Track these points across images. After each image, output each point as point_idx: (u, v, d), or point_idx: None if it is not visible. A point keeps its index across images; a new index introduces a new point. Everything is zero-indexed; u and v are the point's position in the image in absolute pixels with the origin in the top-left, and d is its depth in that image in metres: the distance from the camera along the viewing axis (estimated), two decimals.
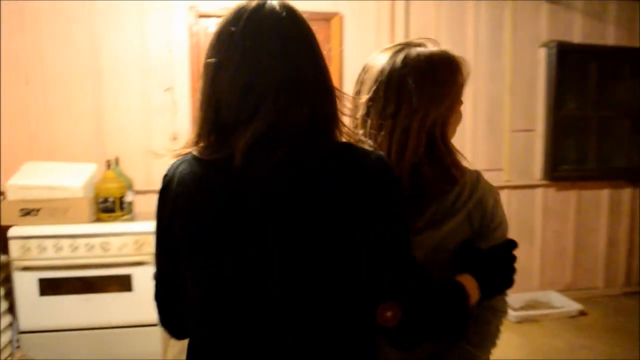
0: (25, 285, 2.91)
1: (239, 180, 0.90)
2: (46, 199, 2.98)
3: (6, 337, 2.94)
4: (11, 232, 2.90)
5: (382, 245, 0.88)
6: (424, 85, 1.12)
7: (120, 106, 3.42)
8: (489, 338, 1.20)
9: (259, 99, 0.88)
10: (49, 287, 2.93)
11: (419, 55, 1.15)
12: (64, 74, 3.37)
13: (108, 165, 3.14)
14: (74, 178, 3.07)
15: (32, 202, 2.97)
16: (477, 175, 1.18)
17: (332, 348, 0.91)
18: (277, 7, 0.92)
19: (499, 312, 1.20)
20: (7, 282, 2.98)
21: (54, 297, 2.93)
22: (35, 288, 2.91)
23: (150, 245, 2.95)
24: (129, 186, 3.20)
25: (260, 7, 0.91)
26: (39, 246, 2.89)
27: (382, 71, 1.16)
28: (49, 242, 2.90)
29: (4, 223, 2.96)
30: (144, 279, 2.95)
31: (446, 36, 3.75)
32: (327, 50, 3.59)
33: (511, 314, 3.72)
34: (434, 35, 3.71)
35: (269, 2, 0.92)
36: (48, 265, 2.90)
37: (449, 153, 1.16)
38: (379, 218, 0.88)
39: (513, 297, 3.86)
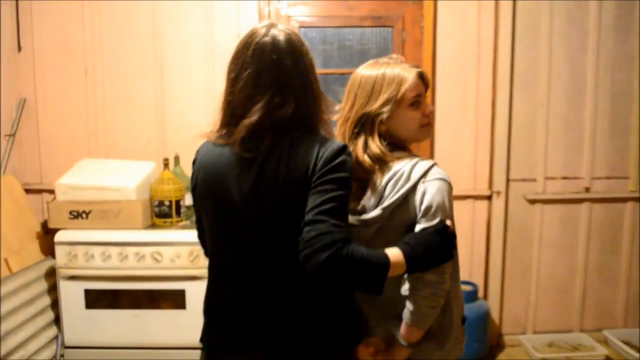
0: (70, 295, 2.61)
1: (236, 159, 1.26)
2: (97, 201, 2.68)
3: (50, 351, 2.66)
4: (58, 237, 2.62)
5: (321, 202, 1.17)
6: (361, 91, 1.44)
7: (183, 98, 3.08)
8: (420, 304, 1.33)
9: (257, 101, 1.23)
10: (95, 299, 2.62)
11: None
12: (124, 65, 3.07)
13: (166, 163, 2.79)
14: (127, 178, 2.75)
15: (82, 203, 2.68)
16: (428, 165, 1.35)
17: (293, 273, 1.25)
18: (277, 35, 1.26)
19: (430, 282, 1.32)
20: (54, 290, 2.70)
21: (100, 310, 2.62)
22: (81, 299, 2.61)
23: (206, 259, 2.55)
24: (189, 188, 2.83)
25: (266, 35, 1.26)
26: (86, 253, 2.59)
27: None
28: (96, 250, 2.58)
29: (52, 225, 2.70)
30: (199, 295, 2.55)
31: (563, 10, 3.09)
32: (420, 31, 3.06)
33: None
34: (549, 15, 3.14)
35: (272, 30, 1.27)
36: (95, 275, 2.59)
37: (378, 145, 1.39)
38: (323, 185, 1.18)
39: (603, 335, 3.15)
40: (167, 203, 2.73)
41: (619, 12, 3.13)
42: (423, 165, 1.35)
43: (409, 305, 1.35)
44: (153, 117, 3.10)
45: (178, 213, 2.75)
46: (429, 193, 1.32)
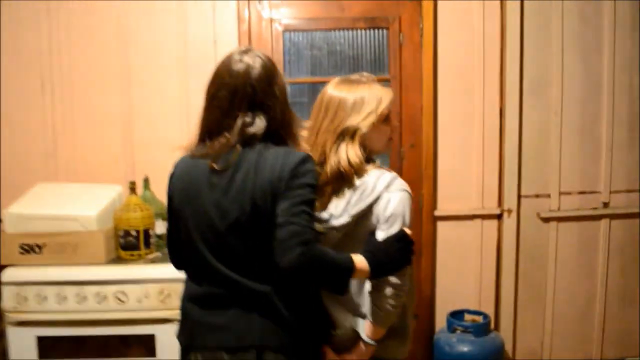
0: (21, 344, 2.24)
1: (210, 171, 1.36)
2: (52, 233, 2.31)
3: None
4: (4, 276, 2.24)
5: (290, 206, 1.27)
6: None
7: (153, 112, 2.73)
8: (384, 304, 1.48)
9: (230, 120, 1.35)
10: (50, 348, 2.24)
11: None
12: (86, 74, 2.72)
13: (132, 187, 2.43)
14: (88, 205, 2.38)
15: (34, 236, 2.31)
16: (391, 177, 1.51)
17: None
18: (252, 60, 1.37)
19: (392, 284, 1.46)
20: (1, 338, 2.32)
21: None
22: (33, 349, 2.23)
23: (178, 298, 2.19)
24: (161, 214, 2.47)
25: (241, 60, 1.37)
26: (37, 295, 2.21)
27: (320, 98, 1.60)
28: (50, 290, 2.21)
29: (3, 262, 2.32)
30: (170, 340, 2.19)
31: (575, 8, 2.79)
32: (419, 33, 2.73)
33: None
34: (560, 13, 2.83)
35: (247, 55, 1.38)
36: (49, 320, 2.22)
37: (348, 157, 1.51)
38: (291, 190, 1.28)
39: None
40: (133, 233, 2.36)
41: (636, 9, 2.83)
42: (387, 177, 1.51)
43: (372, 305, 1.50)
44: (119, 133, 2.74)
45: (147, 244, 2.39)
46: (392, 202, 1.47)
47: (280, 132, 1.39)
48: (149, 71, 2.71)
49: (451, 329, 2.67)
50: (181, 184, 1.41)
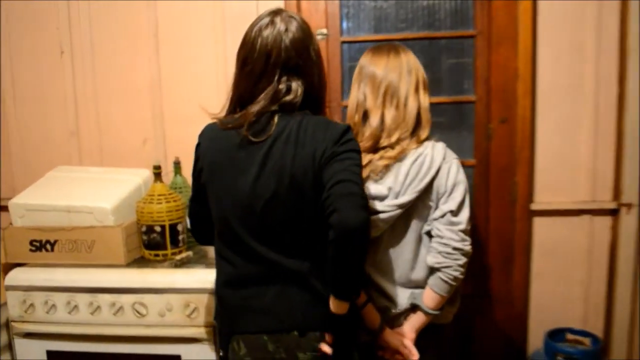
0: (30, 358, 1.90)
1: (244, 143, 1.27)
2: (64, 227, 1.94)
3: None
4: (8, 279, 1.90)
5: (343, 169, 1.21)
6: None
7: (186, 82, 2.29)
8: (456, 275, 1.47)
9: (264, 86, 1.27)
10: None
11: None
12: (110, 39, 2.31)
13: (157, 172, 2.01)
14: (105, 194, 1.99)
15: (45, 230, 1.96)
16: (442, 147, 1.53)
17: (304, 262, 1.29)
18: (287, 20, 1.29)
19: (468, 253, 1.49)
20: (10, 350, 1.99)
21: None
22: None
23: (209, 313, 1.77)
24: None
25: (273, 21, 1.28)
26: (45, 302, 1.86)
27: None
28: (59, 298, 1.85)
29: (9, 260, 2.00)
30: None
31: None
32: (514, 38, 2.13)
33: None
34: None
35: (278, 17, 1.29)
36: (59, 333, 1.86)
37: None
38: (339, 155, 1.22)
39: None
40: (157, 229, 1.96)
41: None
42: (440, 147, 1.50)
43: (441, 276, 1.46)
44: (148, 107, 2.33)
45: (175, 242, 1.98)
46: (452, 172, 1.47)
47: (318, 99, 1.33)
48: (180, 34, 2.27)
49: (550, 354, 2.11)
50: (211, 156, 1.33)
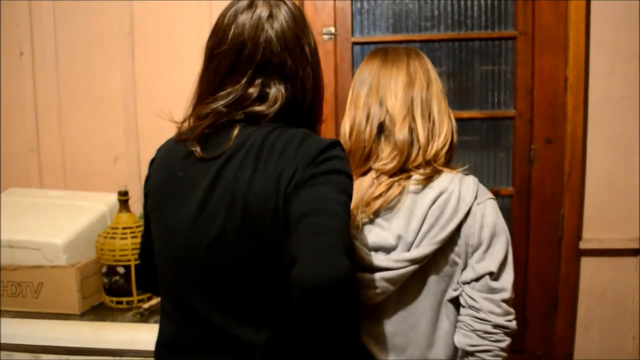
0: None
1: (194, 161, 0.93)
2: (6, 267, 1.58)
3: None
4: None
5: (320, 194, 0.83)
6: None
7: (165, 91, 1.92)
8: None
9: (228, 86, 0.93)
10: None
11: None
12: (74, 39, 1.96)
13: (123, 200, 1.63)
14: (58, 227, 1.62)
15: None
16: (473, 182, 1.12)
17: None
18: (269, 3, 0.96)
19: (512, 330, 1.08)
20: None
21: None
22: None
23: None
24: None
25: (253, 3, 0.96)
26: None
27: None
28: None
29: None
30: None
31: None
32: (563, 42, 1.75)
33: None
34: None
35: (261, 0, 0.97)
36: None
37: None
38: (318, 177, 0.85)
39: None
40: (121, 270, 1.58)
41: None
42: (471, 182, 1.09)
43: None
44: (120, 119, 1.96)
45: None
46: (488, 216, 1.07)
47: (309, 112, 0.99)
48: (160, 33, 1.91)
49: None
50: (157, 176, 1.01)
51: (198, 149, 0.92)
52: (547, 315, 1.88)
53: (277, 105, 0.91)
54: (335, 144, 0.90)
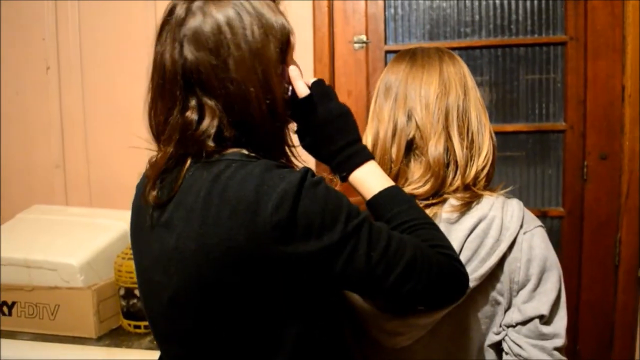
0: None
1: (146, 206, 0.80)
2: (23, 287, 1.52)
3: None
4: None
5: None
6: None
7: None
8: None
9: (165, 117, 0.77)
10: None
11: None
12: (102, 57, 1.91)
13: None
14: (75, 246, 1.56)
15: (4, 289, 1.55)
16: (519, 207, 0.96)
17: None
18: (186, 5, 0.76)
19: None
20: None
21: None
22: None
23: None
24: None
25: (175, 5, 0.77)
26: None
27: None
28: None
29: None
30: None
31: None
32: (620, 46, 1.58)
33: None
34: None
35: (185, 3, 0.76)
36: None
37: None
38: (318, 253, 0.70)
39: None
40: (138, 293, 1.50)
41: None
42: (516, 207, 0.93)
43: None
44: (146, 134, 1.90)
45: None
46: (537, 248, 0.91)
47: (260, 130, 0.77)
48: None
49: None
50: (131, 216, 0.89)
51: (154, 193, 0.77)
52: (602, 352, 1.69)
53: (211, 127, 0.73)
54: (306, 176, 0.71)
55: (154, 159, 0.79)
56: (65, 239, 1.61)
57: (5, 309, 1.55)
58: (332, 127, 0.84)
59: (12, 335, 1.53)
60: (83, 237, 1.61)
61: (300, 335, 0.74)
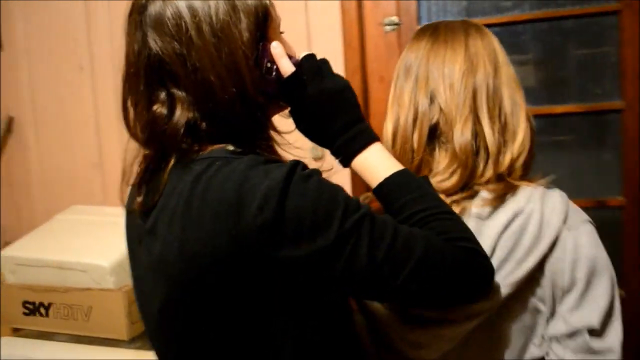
0: None
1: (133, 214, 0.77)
2: (57, 288, 1.54)
3: None
4: None
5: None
6: None
7: None
8: None
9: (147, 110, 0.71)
10: None
11: None
12: None
13: None
14: (107, 247, 1.55)
15: (38, 290, 1.56)
16: (562, 200, 0.84)
17: None
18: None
19: None
20: None
21: None
22: None
23: None
24: None
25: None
26: None
27: None
28: None
29: (4, 323, 1.63)
30: None
31: None
32: None
33: None
34: None
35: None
36: None
37: None
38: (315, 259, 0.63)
39: None
40: None
41: None
42: (558, 200, 0.80)
43: None
44: None
45: None
46: (584, 247, 0.78)
47: (234, 122, 0.68)
48: None
49: None
50: (125, 225, 0.84)
51: (139, 199, 0.72)
52: None
53: (179, 121, 0.67)
54: (294, 168, 0.64)
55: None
56: (99, 239, 1.61)
57: (42, 310, 1.58)
58: (327, 107, 0.74)
59: (48, 336, 1.56)
60: (116, 238, 1.59)
61: (301, 341, 0.68)
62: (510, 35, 1.50)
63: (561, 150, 1.52)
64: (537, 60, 1.52)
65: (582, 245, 0.78)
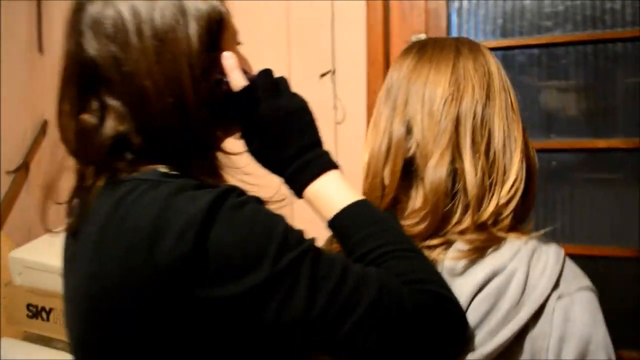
0: None
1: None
2: (58, 294, 1.51)
3: None
4: None
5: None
6: None
7: None
8: None
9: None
10: None
11: None
12: None
13: None
14: None
15: (42, 294, 1.59)
16: (556, 256, 0.69)
17: None
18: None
19: None
20: None
21: None
22: None
23: None
24: None
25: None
26: None
27: None
28: None
29: (9, 324, 1.66)
30: None
31: None
32: None
33: None
34: None
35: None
36: None
37: None
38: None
39: None
40: None
41: None
42: (550, 257, 0.65)
43: None
44: None
45: None
46: (577, 320, 0.63)
47: (169, 137, 0.60)
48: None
49: None
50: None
51: (68, 220, 0.65)
52: None
53: (108, 134, 0.59)
54: (223, 195, 0.56)
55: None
56: None
57: (44, 314, 1.58)
58: (281, 128, 0.65)
59: (47, 341, 1.55)
60: None
61: None
62: (550, 59, 1.35)
63: (602, 189, 1.34)
64: (580, 87, 1.35)
65: (574, 319, 0.63)
